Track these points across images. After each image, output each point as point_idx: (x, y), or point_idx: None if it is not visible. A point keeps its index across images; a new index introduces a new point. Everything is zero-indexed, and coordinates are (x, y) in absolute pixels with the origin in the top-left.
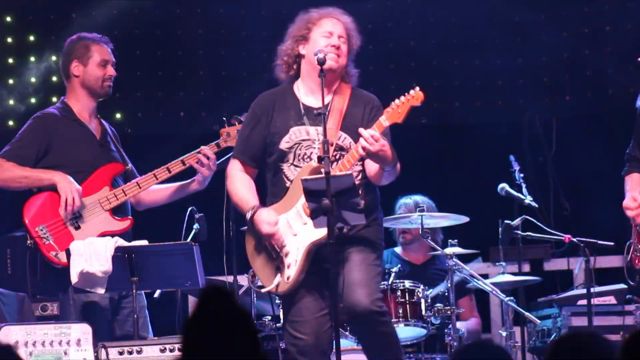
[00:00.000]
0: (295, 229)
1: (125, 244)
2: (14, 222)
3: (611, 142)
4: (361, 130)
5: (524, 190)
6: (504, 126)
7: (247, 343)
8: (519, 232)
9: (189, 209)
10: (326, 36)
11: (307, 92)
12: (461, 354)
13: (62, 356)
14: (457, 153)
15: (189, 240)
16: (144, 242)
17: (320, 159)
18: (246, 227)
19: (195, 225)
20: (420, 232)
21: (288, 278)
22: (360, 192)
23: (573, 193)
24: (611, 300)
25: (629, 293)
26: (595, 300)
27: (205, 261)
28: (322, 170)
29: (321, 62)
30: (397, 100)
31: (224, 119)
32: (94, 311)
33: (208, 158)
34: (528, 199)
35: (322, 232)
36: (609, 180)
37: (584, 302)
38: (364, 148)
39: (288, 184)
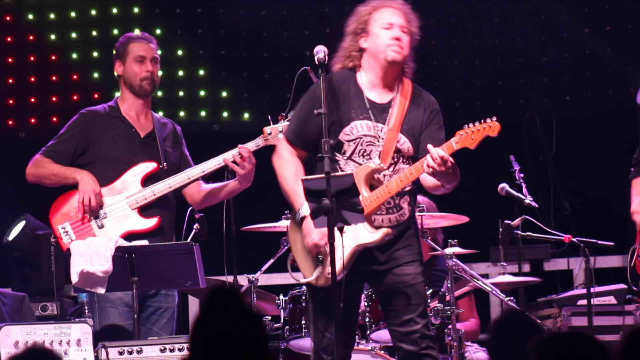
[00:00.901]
0: (345, 227)
1: (126, 243)
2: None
3: (611, 141)
4: (430, 147)
5: (524, 190)
6: (504, 126)
7: (255, 343)
8: (519, 232)
9: (189, 209)
10: (387, 28)
11: (369, 86)
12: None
13: (62, 356)
14: (456, 152)
15: (189, 240)
16: (144, 242)
17: (320, 159)
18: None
19: (195, 225)
20: (421, 232)
21: (329, 273)
22: (408, 198)
23: (573, 193)
24: (611, 300)
25: (629, 293)
26: (595, 300)
27: (205, 261)
28: (379, 171)
29: (321, 63)
30: (471, 126)
31: (269, 116)
32: (117, 309)
33: (242, 157)
34: (528, 199)
35: (374, 236)
36: (609, 180)
37: (584, 302)
38: (430, 166)
39: None
